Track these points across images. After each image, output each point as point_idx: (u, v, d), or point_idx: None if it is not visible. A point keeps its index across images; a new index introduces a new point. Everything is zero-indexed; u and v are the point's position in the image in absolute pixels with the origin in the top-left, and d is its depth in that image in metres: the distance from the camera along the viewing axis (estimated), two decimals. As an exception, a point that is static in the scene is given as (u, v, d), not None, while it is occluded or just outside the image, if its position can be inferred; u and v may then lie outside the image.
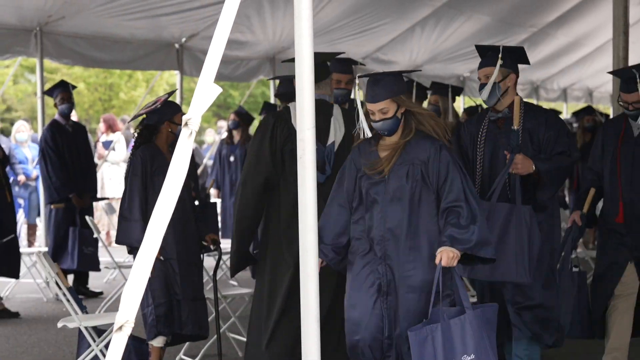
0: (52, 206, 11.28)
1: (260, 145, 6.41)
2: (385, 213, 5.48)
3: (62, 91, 10.96)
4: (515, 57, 6.63)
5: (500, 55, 6.47)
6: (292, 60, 4.92)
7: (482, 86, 6.58)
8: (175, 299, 7.08)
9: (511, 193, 6.45)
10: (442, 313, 5.24)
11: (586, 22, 18.11)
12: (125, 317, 4.00)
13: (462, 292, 5.34)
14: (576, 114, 16.24)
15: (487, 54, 6.65)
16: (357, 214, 5.57)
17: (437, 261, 5.28)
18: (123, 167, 17.17)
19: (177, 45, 12.71)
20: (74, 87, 11.18)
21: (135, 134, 7.30)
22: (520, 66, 6.69)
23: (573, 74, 22.85)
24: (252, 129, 15.19)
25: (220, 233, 12.40)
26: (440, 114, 9.84)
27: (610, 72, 7.44)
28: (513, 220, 6.31)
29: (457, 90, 10.38)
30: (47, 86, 11.69)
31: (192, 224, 7.21)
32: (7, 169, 11.40)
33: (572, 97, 24.91)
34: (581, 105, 21.44)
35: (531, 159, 6.36)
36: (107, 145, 16.66)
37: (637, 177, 6.90)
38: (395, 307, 5.45)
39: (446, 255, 5.30)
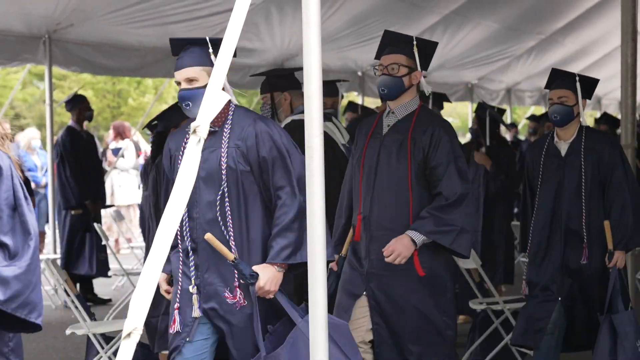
0: (72, 212, 11.39)
1: None
2: None
3: (84, 100, 11.46)
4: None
5: (211, 51, 5.08)
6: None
7: (184, 92, 5.08)
8: None
9: None
10: None
11: (594, 29, 18.09)
12: (134, 324, 4.01)
13: None
14: (537, 119, 16.28)
15: (185, 51, 5.12)
16: None
17: None
18: (132, 174, 17.23)
19: (185, 53, 12.71)
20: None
21: (150, 144, 7.30)
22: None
23: (581, 81, 22.81)
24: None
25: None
26: None
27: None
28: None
29: (441, 98, 10.35)
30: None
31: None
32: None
33: (581, 104, 24.87)
34: (589, 112, 21.44)
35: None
36: (117, 152, 16.70)
37: (380, 184, 5.74)
38: None
39: None
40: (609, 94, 26.44)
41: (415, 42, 5.70)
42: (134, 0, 10.57)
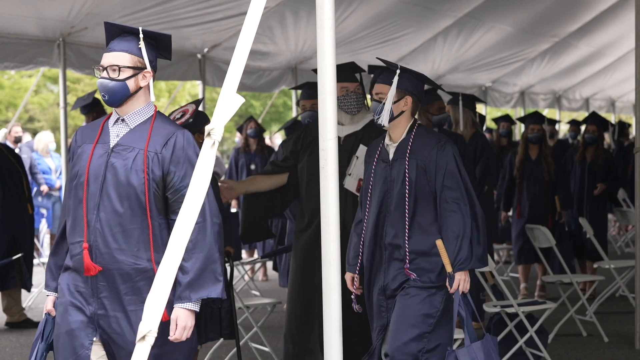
0: None
1: None
2: None
3: (99, 103, 11.61)
4: None
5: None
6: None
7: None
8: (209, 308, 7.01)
9: None
10: None
11: (608, 32, 18.07)
12: (148, 327, 4.00)
13: None
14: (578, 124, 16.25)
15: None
16: None
17: None
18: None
19: (199, 56, 12.73)
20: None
21: None
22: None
23: (595, 83, 22.81)
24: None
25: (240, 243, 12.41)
26: (452, 124, 9.87)
27: None
28: None
29: (472, 100, 10.24)
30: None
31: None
32: (29, 179, 11.48)
33: (595, 107, 24.87)
34: (602, 114, 21.47)
35: None
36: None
37: (106, 208, 4.69)
38: None
39: None
40: (623, 96, 26.38)
41: (141, 36, 4.79)
42: (148, 4, 10.59)
